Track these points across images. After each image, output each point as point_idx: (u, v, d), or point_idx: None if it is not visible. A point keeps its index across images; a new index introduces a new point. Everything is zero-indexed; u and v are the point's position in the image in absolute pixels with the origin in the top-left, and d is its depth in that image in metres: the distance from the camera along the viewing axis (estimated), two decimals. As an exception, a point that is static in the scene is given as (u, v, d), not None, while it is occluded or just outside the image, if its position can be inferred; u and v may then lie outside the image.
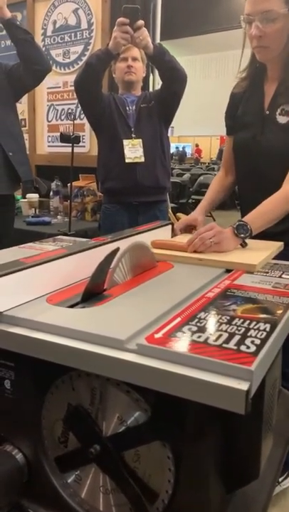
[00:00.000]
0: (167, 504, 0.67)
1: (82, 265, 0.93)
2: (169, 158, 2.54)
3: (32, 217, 3.00)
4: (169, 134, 2.56)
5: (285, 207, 1.24)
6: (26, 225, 2.84)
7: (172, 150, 15.80)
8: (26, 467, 0.79)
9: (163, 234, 1.30)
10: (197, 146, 19.33)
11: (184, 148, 18.24)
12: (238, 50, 1.40)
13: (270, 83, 1.42)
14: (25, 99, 3.72)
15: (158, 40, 3.06)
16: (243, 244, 1.17)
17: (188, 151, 18.95)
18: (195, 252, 1.12)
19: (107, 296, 0.85)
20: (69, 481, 0.75)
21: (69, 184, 2.87)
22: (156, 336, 0.66)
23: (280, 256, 1.19)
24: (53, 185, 3.21)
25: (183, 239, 1.20)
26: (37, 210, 3.14)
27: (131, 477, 0.68)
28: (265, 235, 1.23)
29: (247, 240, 1.19)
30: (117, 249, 0.90)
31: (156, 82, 2.61)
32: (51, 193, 3.28)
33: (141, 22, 1.96)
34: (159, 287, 0.91)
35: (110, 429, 0.70)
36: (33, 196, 3.15)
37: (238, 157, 1.51)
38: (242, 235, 1.16)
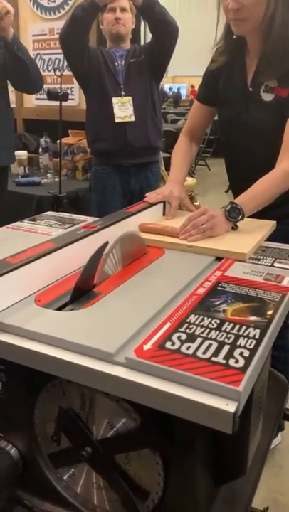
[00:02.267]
0: (157, 503, 0.69)
1: (70, 258, 0.92)
2: (161, 116, 2.45)
3: (22, 176, 2.93)
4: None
5: (277, 189, 1.20)
6: (16, 185, 2.78)
7: (167, 91, 15.25)
8: (21, 461, 0.81)
9: (154, 214, 1.27)
10: (193, 87, 18.61)
11: (178, 89, 17.59)
12: None
13: (251, 57, 1.33)
14: (9, 47, 3.51)
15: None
16: (235, 227, 1.15)
17: (184, 92, 18.28)
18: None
19: (96, 293, 0.84)
20: (64, 477, 0.78)
21: (58, 141, 2.78)
22: (145, 347, 0.65)
23: (276, 232, 1.18)
24: (42, 141, 3.11)
25: (173, 223, 1.17)
26: (26, 169, 3.06)
27: (122, 478, 0.70)
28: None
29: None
30: (106, 244, 0.88)
31: (147, 34, 2.46)
32: (40, 150, 3.19)
33: None
34: (149, 282, 0.89)
35: (100, 433, 0.71)
36: (22, 154, 3.05)
37: (224, 135, 1.45)
38: (234, 219, 1.13)
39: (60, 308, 0.80)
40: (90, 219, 1.29)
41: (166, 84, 16.33)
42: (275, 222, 1.21)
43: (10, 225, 1.24)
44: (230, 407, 0.56)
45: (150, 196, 1.32)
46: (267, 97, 1.29)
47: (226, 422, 0.56)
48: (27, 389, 0.76)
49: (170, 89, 16.78)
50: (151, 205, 1.27)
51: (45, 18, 3.33)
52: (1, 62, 2.15)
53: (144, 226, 1.15)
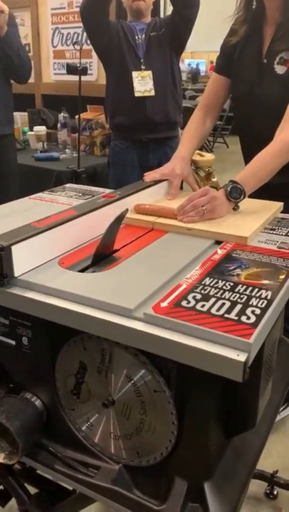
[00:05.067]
0: (171, 451, 0.74)
1: (91, 225, 0.96)
2: (181, 91, 2.44)
3: (40, 152, 2.97)
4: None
5: (279, 160, 1.14)
6: (35, 160, 2.82)
7: (185, 67, 14.93)
8: (45, 412, 0.87)
9: (162, 190, 1.26)
10: (212, 62, 18.21)
11: (197, 65, 17.26)
12: None
13: (269, 26, 1.31)
14: (28, 21, 3.52)
15: None
16: (236, 208, 1.09)
17: (203, 68, 17.93)
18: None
19: (116, 258, 0.88)
20: (83, 428, 0.83)
21: (77, 116, 2.80)
22: (162, 304, 0.70)
23: (285, 209, 1.17)
24: (61, 117, 3.14)
25: (171, 204, 1.12)
26: (45, 144, 3.09)
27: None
28: (267, 186, 1.16)
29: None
30: (126, 211, 0.92)
31: (167, 7, 2.44)
32: (58, 125, 3.22)
33: None
34: (165, 250, 0.93)
35: (118, 385, 0.76)
36: (41, 129, 3.09)
37: (237, 110, 1.43)
38: (235, 199, 1.08)
39: (82, 271, 0.84)
40: (108, 190, 1.32)
41: (185, 60, 16.01)
42: (281, 203, 1.15)
43: (32, 196, 1.28)
44: (241, 357, 0.60)
45: (148, 175, 1.28)
46: (280, 69, 1.28)
47: (236, 371, 0.60)
48: (50, 344, 0.81)
49: (189, 64, 16.47)
50: (158, 181, 1.23)
51: (64, -10, 3.32)
52: None
53: (140, 207, 1.09)
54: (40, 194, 1.30)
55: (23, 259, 0.80)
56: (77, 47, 2.42)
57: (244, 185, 1.08)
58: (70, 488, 1.06)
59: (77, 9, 3.19)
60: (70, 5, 3.30)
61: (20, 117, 3.24)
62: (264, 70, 1.31)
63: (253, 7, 1.35)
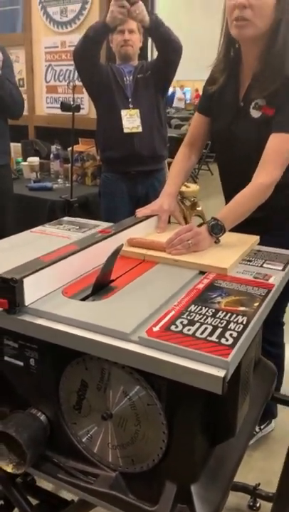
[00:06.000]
0: (161, 458, 0.85)
1: (90, 258, 1.08)
2: (166, 127, 2.62)
3: (34, 181, 3.10)
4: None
5: (255, 201, 1.28)
6: (29, 190, 2.95)
7: (181, 95, 15.33)
8: (49, 426, 0.97)
9: (153, 224, 1.39)
10: (197, 91, 18.68)
11: (183, 93, 17.72)
12: None
13: (245, 73, 1.42)
14: (22, 58, 3.71)
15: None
16: (217, 241, 1.23)
17: (188, 96, 18.41)
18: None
19: (113, 288, 1.00)
20: (83, 439, 0.94)
21: (69, 148, 2.95)
22: (155, 329, 0.82)
23: (262, 242, 1.30)
24: (53, 148, 3.29)
25: (160, 237, 1.25)
26: (38, 174, 3.23)
27: (134, 436, 0.86)
28: (246, 221, 1.29)
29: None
30: (121, 246, 1.05)
31: (154, 51, 2.63)
32: (51, 156, 3.37)
33: None
34: (155, 280, 1.06)
35: (116, 400, 0.87)
36: (34, 160, 3.23)
37: (216, 146, 1.56)
38: (216, 235, 1.21)
39: (83, 299, 0.96)
40: (103, 224, 1.46)
41: (170, 88, 16.40)
42: (258, 237, 1.28)
43: (33, 229, 1.41)
44: (221, 373, 0.72)
45: (139, 211, 1.40)
46: (255, 113, 1.39)
47: (217, 385, 0.72)
48: (55, 365, 0.92)
49: (174, 93, 16.91)
50: (148, 217, 1.37)
51: (58, 32, 3.51)
52: None
53: (133, 241, 1.22)
54: (40, 227, 1.42)
55: (32, 289, 0.92)
56: (71, 85, 2.58)
57: (224, 222, 1.22)
58: (69, 499, 1.16)
59: (70, 48, 3.41)
60: (62, 44, 3.50)
61: (14, 148, 3.37)
62: (240, 112, 1.44)
63: (231, 54, 1.46)
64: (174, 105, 15.94)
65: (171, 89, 16.46)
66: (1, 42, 2.57)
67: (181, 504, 0.85)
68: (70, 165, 2.89)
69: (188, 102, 17.63)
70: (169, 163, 3.28)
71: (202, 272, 1.09)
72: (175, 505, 0.85)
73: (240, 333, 0.81)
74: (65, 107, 2.57)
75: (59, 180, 3.20)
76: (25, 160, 3.37)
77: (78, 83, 3.22)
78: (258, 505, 1.55)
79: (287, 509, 1.12)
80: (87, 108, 3.45)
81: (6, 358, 0.97)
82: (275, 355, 1.68)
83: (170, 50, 2.27)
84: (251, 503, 1.56)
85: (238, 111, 1.45)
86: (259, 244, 1.30)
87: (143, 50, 2.68)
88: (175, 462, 0.85)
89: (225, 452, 0.94)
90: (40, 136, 3.75)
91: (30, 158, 3.26)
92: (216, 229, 1.22)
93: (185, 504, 0.85)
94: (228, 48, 1.44)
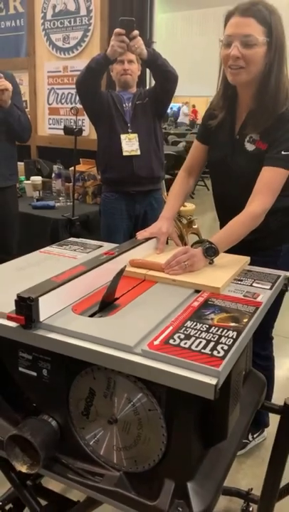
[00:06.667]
0: (161, 458, 0.96)
1: (96, 277, 1.20)
2: (163, 150, 2.76)
3: (36, 200, 3.23)
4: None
5: (247, 228, 1.41)
6: (32, 208, 3.07)
7: (185, 111, 15.74)
8: (59, 430, 1.08)
9: (152, 245, 1.51)
10: (194, 106, 19.03)
11: (179, 108, 18.02)
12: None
13: (241, 109, 1.56)
14: (26, 81, 3.86)
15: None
16: (211, 262, 1.35)
17: (185, 111, 18.70)
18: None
19: (117, 305, 1.12)
20: (91, 443, 1.04)
21: (71, 168, 3.08)
22: (155, 342, 0.93)
23: (251, 261, 1.42)
24: (55, 168, 3.42)
25: (159, 258, 1.37)
26: (41, 192, 3.36)
27: (136, 438, 0.97)
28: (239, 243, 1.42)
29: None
30: (124, 267, 1.17)
31: (152, 79, 2.79)
32: (53, 175, 3.50)
33: (136, 32, 2.15)
34: (155, 298, 1.17)
35: (120, 406, 0.98)
36: (37, 179, 3.36)
37: (212, 175, 1.70)
38: (210, 257, 1.33)
39: (91, 316, 1.08)
40: (105, 244, 1.58)
41: (177, 104, 16.75)
42: (248, 258, 1.41)
43: (42, 250, 1.52)
44: (213, 381, 0.83)
45: (140, 234, 1.52)
46: (249, 147, 1.53)
47: (209, 392, 0.83)
48: (66, 375, 1.03)
49: (171, 108, 17.19)
50: (148, 239, 1.50)
51: (60, 57, 3.68)
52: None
53: (134, 262, 1.33)
54: (48, 248, 1.54)
55: (46, 307, 1.03)
56: (74, 111, 2.72)
57: (218, 246, 1.35)
58: (75, 500, 1.26)
59: (71, 73, 3.57)
60: (65, 69, 3.66)
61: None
62: (236, 145, 1.57)
63: (229, 92, 1.59)
64: (178, 120, 16.34)
65: (177, 105, 16.94)
66: (6, 66, 2.70)
67: (179, 499, 0.95)
68: (71, 184, 3.01)
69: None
70: (166, 180, 3.42)
71: (197, 291, 1.21)
72: (173, 500, 0.95)
73: (230, 346, 0.92)
74: (68, 131, 2.71)
75: (61, 198, 3.33)
76: (27, 179, 3.50)
77: (80, 106, 3.40)
78: (250, 509, 1.64)
79: (270, 509, 1.22)
80: (88, 129, 3.59)
81: (20, 369, 1.08)
82: (265, 367, 1.80)
83: (167, 80, 2.42)
84: (244, 508, 1.66)
85: (234, 143, 1.57)
86: (249, 264, 1.42)
87: (141, 77, 2.83)
88: (173, 462, 0.96)
89: (218, 454, 1.05)
90: (42, 155, 3.89)
91: (33, 178, 3.39)
92: (210, 251, 1.34)
93: (182, 499, 0.95)
94: (225, 88, 1.56)
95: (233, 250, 1.43)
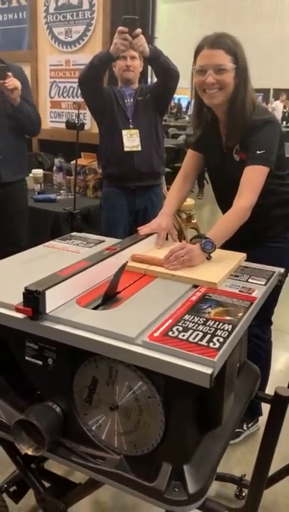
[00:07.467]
0: (159, 442, 1.02)
1: (99, 271, 1.25)
2: (163, 146, 2.80)
3: (38, 193, 3.27)
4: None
5: (237, 221, 1.50)
6: (34, 201, 3.12)
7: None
8: (63, 416, 1.14)
9: (152, 241, 1.58)
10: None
11: (179, 100, 17.95)
12: None
13: (221, 125, 1.72)
14: (28, 74, 3.87)
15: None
16: (209, 258, 1.41)
17: (184, 103, 18.63)
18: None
19: (119, 298, 1.17)
20: (93, 428, 1.11)
21: (72, 162, 3.12)
22: (155, 334, 0.99)
23: (248, 258, 1.49)
24: (57, 161, 3.46)
25: (159, 253, 1.42)
26: (42, 185, 3.40)
27: (136, 424, 1.03)
28: (234, 239, 1.50)
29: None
30: (126, 263, 1.22)
31: (154, 75, 2.82)
32: (54, 168, 3.53)
33: (138, 30, 2.19)
34: (155, 292, 1.23)
35: (122, 394, 1.04)
36: (38, 172, 3.40)
37: (211, 177, 1.86)
38: (208, 251, 1.40)
39: (95, 308, 1.13)
40: (108, 239, 1.63)
41: (187, 97, 16.70)
42: (244, 254, 1.49)
43: (46, 244, 1.58)
44: (208, 370, 0.89)
45: (141, 229, 1.60)
46: (236, 157, 1.67)
47: (205, 380, 0.89)
48: (70, 364, 1.09)
49: (178, 99, 17.09)
50: (148, 235, 1.57)
51: (62, 51, 3.70)
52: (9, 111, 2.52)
53: (136, 257, 1.39)
54: (52, 242, 1.60)
55: (52, 299, 1.08)
56: (76, 106, 2.75)
57: (214, 240, 1.42)
58: (76, 482, 1.33)
59: (74, 67, 3.60)
60: (67, 63, 3.69)
61: (18, 160, 3.54)
62: (225, 156, 1.71)
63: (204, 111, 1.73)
64: (189, 113, 16.38)
65: (187, 98, 16.96)
66: (8, 59, 2.72)
67: (175, 481, 1.02)
68: (73, 177, 3.05)
69: (183, 110, 17.76)
70: (166, 174, 3.47)
71: (195, 286, 1.27)
72: (170, 481, 1.01)
73: (225, 339, 0.98)
74: (70, 125, 2.75)
75: (62, 191, 3.37)
76: (29, 172, 3.53)
77: (81, 100, 3.43)
78: (243, 494, 1.72)
79: (258, 494, 1.29)
80: (90, 123, 3.63)
81: (26, 358, 1.14)
82: (264, 348, 1.92)
83: (169, 77, 2.46)
84: (238, 493, 1.73)
85: (224, 156, 1.72)
86: (246, 260, 1.48)
87: (143, 74, 2.87)
88: (170, 446, 1.02)
89: (213, 440, 1.12)
90: (44, 148, 3.92)
91: (34, 170, 3.43)
92: (208, 245, 1.41)
93: (179, 481, 1.02)
94: (199, 108, 1.72)
95: (244, 240, 1.54)
